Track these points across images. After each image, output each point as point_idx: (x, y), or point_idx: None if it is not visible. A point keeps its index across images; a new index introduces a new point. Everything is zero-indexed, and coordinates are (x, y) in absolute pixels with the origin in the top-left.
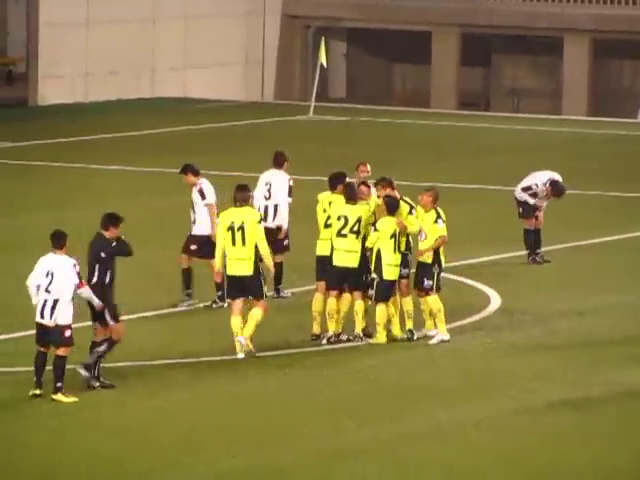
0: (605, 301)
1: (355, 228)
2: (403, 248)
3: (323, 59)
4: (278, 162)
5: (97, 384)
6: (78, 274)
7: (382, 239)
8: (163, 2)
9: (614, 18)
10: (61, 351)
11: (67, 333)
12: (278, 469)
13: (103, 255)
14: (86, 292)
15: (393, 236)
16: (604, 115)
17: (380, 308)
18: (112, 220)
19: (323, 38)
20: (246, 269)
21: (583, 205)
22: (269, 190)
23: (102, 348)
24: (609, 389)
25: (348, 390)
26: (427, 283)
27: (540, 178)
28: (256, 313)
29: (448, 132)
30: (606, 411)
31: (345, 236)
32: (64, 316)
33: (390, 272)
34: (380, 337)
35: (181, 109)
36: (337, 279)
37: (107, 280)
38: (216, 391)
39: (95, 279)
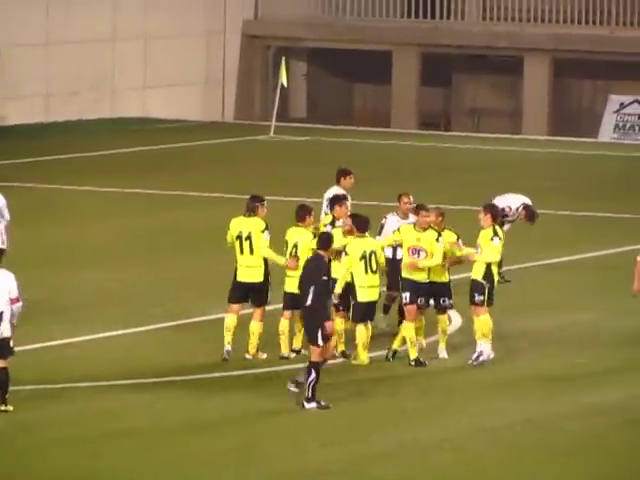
0: (566, 320)
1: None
2: (375, 268)
3: (284, 79)
4: (336, 178)
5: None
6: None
7: (353, 262)
8: (123, 22)
9: (574, 38)
10: (2, 363)
11: (11, 344)
12: None
13: (325, 278)
14: (17, 309)
15: (363, 258)
16: (564, 134)
17: (359, 329)
18: (328, 241)
19: (283, 58)
20: (256, 276)
21: (544, 224)
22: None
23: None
24: (571, 408)
25: (310, 410)
26: (478, 298)
27: (512, 202)
28: (255, 327)
29: (409, 152)
30: (568, 429)
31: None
32: (7, 329)
33: (363, 294)
34: (362, 357)
35: (141, 129)
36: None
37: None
38: (178, 410)
39: (309, 301)
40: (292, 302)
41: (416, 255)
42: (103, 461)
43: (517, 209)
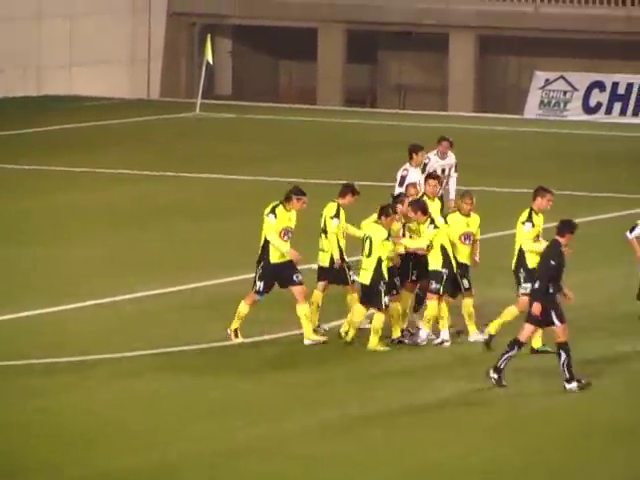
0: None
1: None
2: (367, 252)
3: (209, 56)
4: (409, 155)
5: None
6: None
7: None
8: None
9: (499, 14)
10: None
11: None
12: (170, 467)
13: (553, 263)
14: None
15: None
16: (490, 111)
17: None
18: (572, 226)
19: (209, 35)
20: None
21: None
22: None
23: (513, 351)
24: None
25: (236, 389)
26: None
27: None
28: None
29: (335, 129)
30: (499, 411)
31: None
32: None
33: (360, 276)
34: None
35: (68, 107)
36: None
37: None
38: (108, 388)
39: (537, 285)
40: (324, 274)
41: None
42: (35, 438)
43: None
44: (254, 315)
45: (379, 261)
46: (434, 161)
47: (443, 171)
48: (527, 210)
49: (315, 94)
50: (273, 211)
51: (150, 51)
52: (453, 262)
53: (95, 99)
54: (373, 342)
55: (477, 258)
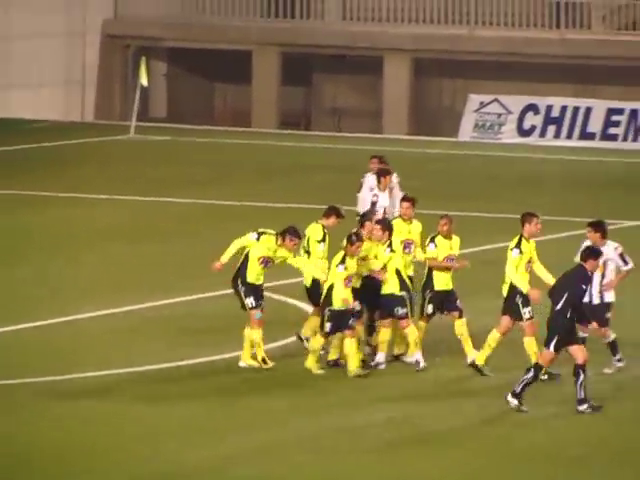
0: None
1: None
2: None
3: (143, 79)
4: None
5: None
6: None
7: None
8: None
9: (434, 37)
10: None
11: None
12: None
13: (584, 287)
14: None
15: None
16: (425, 134)
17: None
18: (595, 253)
19: (143, 58)
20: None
21: None
22: None
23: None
24: (436, 405)
25: (170, 413)
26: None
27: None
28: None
29: (270, 151)
30: (430, 430)
31: None
32: None
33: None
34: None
35: (2, 129)
36: None
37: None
38: (39, 412)
39: (559, 306)
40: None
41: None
42: None
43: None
44: (189, 337)
45: (330, 287)
46: (369, 179)
47: None
48: (517, 236)
49: (250, 117)
50: (259, 233)
51: (85, 73)
52: (409, 284)
53: (30, 122)
54: (310, 361)
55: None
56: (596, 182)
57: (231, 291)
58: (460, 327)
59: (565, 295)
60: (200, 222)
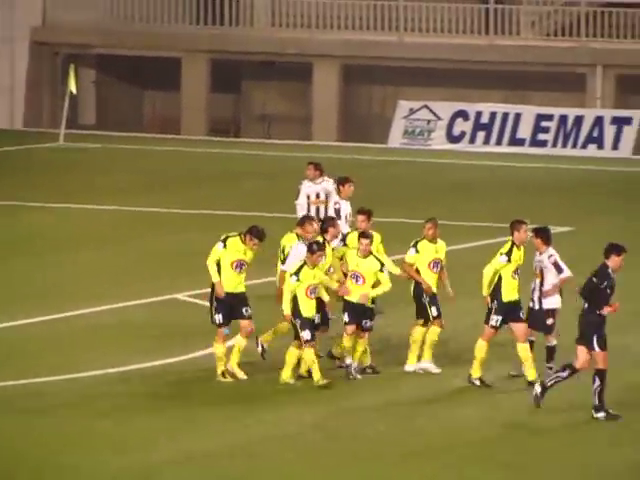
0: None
1: None
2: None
3: (72, 86)
4: (336, 188)
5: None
6: None
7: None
8: None
9: (363, 44)
10: None
11: None
12: None
13: (602, 286)
14: None
15: None
16: (355, 140)
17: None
18: (618, 249)
19: (72, 65)
20: None
21: None
22: None
23: (564, 374)
24: (363, 413)
25: (97, 423)
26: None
27: None
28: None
29: (199, 158)
30: (358, 434)
31: None
32: None
33: None
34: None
35: None
36: None
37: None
38: None
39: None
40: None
41: (354, 280)
42: None
43: None
44: (120, 345)
45: (295, 298)
46: (306, 186)
47: (317, 196)
48: (509, 243)
49: (179, 124)
50: (224, 240)
51: (13, 80)
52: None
53: None
54: (285, 374)
55: (450, 290)
56: (525, 188)
57: (162, 298)
58: (420, 333)
59: (587, 294)
60: (131, 229)
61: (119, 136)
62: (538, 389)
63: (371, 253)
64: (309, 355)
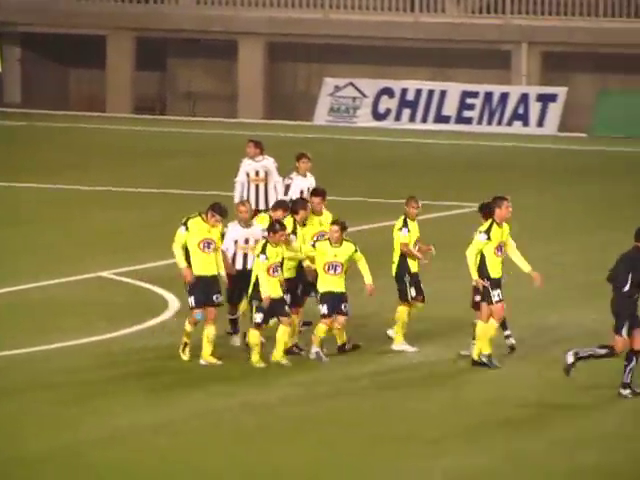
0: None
1: None
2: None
3: None
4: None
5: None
6: None
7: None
8: None
9: (289, 21)
10: None
11: None
12: None
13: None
14: None
15: None
16: (280, 118)
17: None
18: None
19: None
20: None
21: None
22: None
23: (601, 352)
24: (287, 392)
25: (28, 398)
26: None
27: None
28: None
29: (125, 136)
30: (285, 415)
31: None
32: None
33: None
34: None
35: None
36: None
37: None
38: None
39: (627, 287)
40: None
41: (332, 271)
42: None
43: None
44: (52, 323)
45: (256, 278)
46: (246, 164)
47: (257, 173)
48: (489, 222)
49: (105, 102)
50: (185, 223)
51: None
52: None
53: None
54: (254, 357)
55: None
56: (451, 165)
57: (87, 276)
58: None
59: (629, 276)
60: (54, 208)
61: (45, 114)
62: (570, 359)
63: (343, 238)
64: (253, 337)
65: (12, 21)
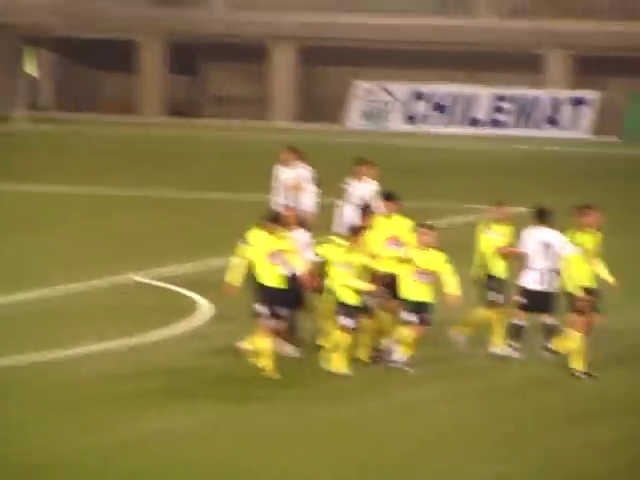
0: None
1: None
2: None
3: (30, 68)
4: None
5: None
6: None
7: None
8: None
9: (321, 26)
10: None
11: None
12: None
13: None
14: None
15: None
16: (312, 121)
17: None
18: None
19: (30, 47)
20: None
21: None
22: None
23: None
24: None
25: (57, 401)
26: None
27: None
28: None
29: (156, 140)
30: (271, 410)
31: None
32: None
33: None
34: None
35: None
36: None
37: None
38: None
39: None
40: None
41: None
42: None
43: None
44: (78, 327)
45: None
46: (281, 171)
47: (292, 181)
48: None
49: (137, 105)
50: (246, 239)
51: None
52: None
53: None
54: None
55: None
56: (483, 169)
57: (118, 279)
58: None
59: None
60: (87, 210)
61: (76, 118)
62: None
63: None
64: (343, 339)
65: (45, 26)
